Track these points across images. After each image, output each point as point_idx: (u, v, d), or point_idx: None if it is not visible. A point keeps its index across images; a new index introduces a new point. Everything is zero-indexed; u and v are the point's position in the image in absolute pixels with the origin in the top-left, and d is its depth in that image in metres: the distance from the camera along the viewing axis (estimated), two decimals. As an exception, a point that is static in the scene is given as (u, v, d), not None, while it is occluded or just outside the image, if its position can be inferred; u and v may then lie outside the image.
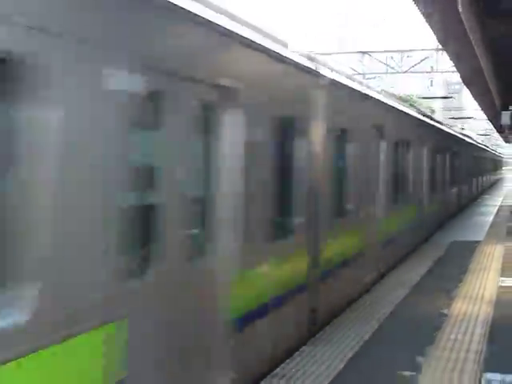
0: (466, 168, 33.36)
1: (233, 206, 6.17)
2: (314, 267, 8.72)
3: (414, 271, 13.20)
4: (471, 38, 12.37)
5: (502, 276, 12.65)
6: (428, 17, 13.06)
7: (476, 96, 28.34)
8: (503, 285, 11.82)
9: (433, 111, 40.42)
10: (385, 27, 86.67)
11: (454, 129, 33.36)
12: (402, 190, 15.12)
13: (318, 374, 6.97)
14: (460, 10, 10.60)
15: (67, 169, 3.96)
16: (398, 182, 14.44)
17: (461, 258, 14.84)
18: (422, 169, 18.31)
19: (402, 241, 14.82)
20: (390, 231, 13.44)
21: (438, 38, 15.70)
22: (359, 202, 11.14)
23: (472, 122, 76.18)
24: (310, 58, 8.82)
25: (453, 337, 8.41)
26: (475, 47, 13.20)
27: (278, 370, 7.06)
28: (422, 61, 31.89)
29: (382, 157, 13.10)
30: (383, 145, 13.08)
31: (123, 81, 4.51)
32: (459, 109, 62.82)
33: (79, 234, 4.10)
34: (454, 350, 7.81)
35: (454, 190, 27.86)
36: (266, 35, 7.23)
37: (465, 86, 25.97)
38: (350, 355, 7.63)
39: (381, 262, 12.67)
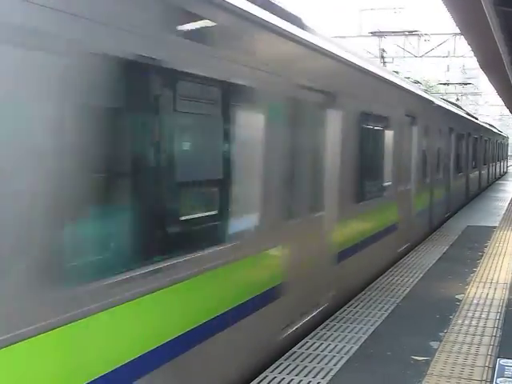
0: (495, 154, 41.62)
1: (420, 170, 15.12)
2: (447, 190, 19.28)
3: (430, 255, 13.25)
4: (490, 23, 12.35)
5: (516, 261, 12.66)
6: (448, 2, 13.04)
7: (493, 81, 28.21)
8: (518, 270, 11.84)
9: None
10: (404, 14, 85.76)
11: (490, 123, 44.07)
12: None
13: (332, 356, 7.03)
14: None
15: None
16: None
17: (476, 243, 14.86)
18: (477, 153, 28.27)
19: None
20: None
21: (456, 24, 15.67)
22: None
23: (487, 107, 75.66)
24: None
25: (467, 321, 8.47)
26: (494, 33, 13.17)
27: (289, 352, 7.14)
28: (439, 45, 31.69)
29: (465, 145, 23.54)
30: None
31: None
32: (476, 94, 62.36)
33: None
34: (469, 334, 7.87)
35: (485, 170, 34.16)
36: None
37: (482, 72, 25.86)
38: (363, 337, 7.70)
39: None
